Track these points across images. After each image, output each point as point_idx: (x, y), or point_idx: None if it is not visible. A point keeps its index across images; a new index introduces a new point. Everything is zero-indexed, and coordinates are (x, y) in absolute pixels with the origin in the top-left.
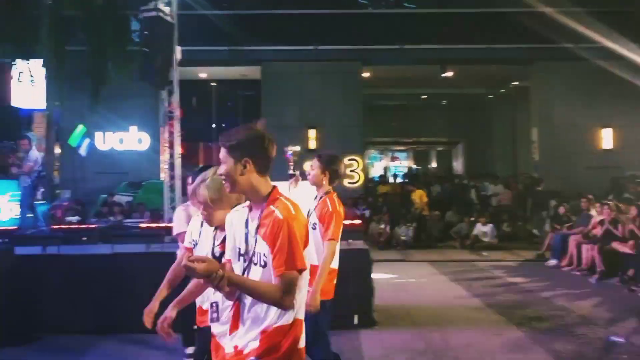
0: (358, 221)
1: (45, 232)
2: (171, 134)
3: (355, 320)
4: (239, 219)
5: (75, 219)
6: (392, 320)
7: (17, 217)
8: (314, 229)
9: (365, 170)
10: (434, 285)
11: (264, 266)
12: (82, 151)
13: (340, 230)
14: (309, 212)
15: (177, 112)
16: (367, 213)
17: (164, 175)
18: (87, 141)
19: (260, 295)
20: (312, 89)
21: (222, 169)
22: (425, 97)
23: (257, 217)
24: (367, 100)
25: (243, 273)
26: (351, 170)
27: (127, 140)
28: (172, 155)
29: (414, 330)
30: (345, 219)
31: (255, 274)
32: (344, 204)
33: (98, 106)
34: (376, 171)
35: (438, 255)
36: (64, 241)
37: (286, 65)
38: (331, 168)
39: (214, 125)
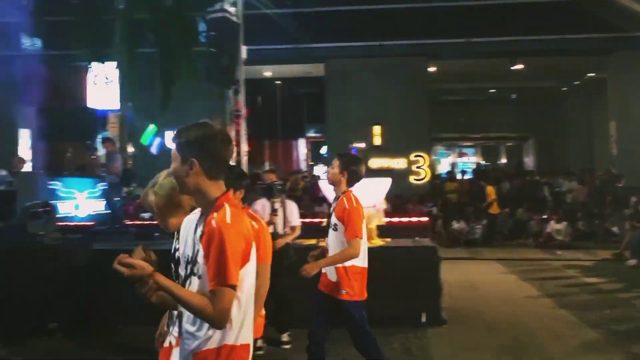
0: (425, 218)
1: (119, 227)
2: (237, 132)
3: (423, 319)
4: (190, 223)
5: (147, 215)
6: (462, 320)
7: (96, 213)
8: (335, 229)
9: (432, 166)
10: (504, 285)
11: (200, 277)
12: (153, 149)
13: (362, 228)
14: (329, 213)
15: (243, 111)
16: (434, 210)
17: None
18: (157, 140)
19: (187, 306)
20: (377, 85)
21: (171, 167)
22: (494, 91)
23: (202, 224)
24: (433, 95)
25: (184, 282)
26: (417, 167)
27: None
28: (238, 154)
29: (485, 330)
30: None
31: (193, 285)
32: (410, 200)
33: (168, 106)
34: (443, 167)
35: (508, 254)
36: (138, 236)
37: (350, 61)
38: (350, 168)
39: (279, 123)
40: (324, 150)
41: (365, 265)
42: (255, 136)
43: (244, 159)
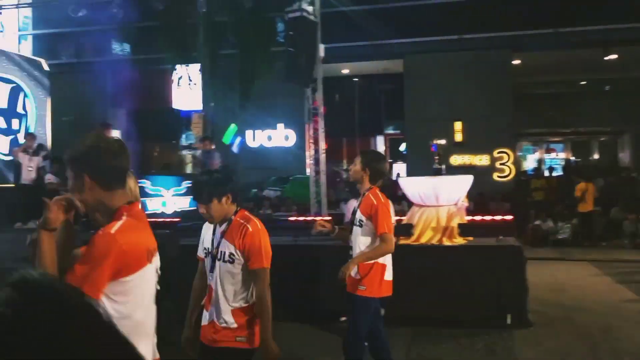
0: (509, 217)
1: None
2: (315, 130)
3: (508, 320)
4: None
5: None
6: (550, 322)
7: (181, 210)
8: (360, 225)
9: (517, 163)
10: (597, 287)
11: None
12: (235, 148)
13: (391, 223)
14: (354, 210)
15: (321, 109)
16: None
17: (309, 170)
18: (238, 139)
19: None
20: (457, 80)
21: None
22: (585, 83)
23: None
24: (518, 89)
25: None
26: (501, 164)
27: (275, 137)
28: (317, 151)
29: (575, 334)
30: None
31: None
32: (493, 198)
33: (248, 105)
34: (529, 164)
35: (601, 255)
36: None
37: (429, 56)
38: (372, 165)
39: (357, 121)
40: (403, 147)
41: (385, 262)
42: (333, 134)
43: (322, 156)
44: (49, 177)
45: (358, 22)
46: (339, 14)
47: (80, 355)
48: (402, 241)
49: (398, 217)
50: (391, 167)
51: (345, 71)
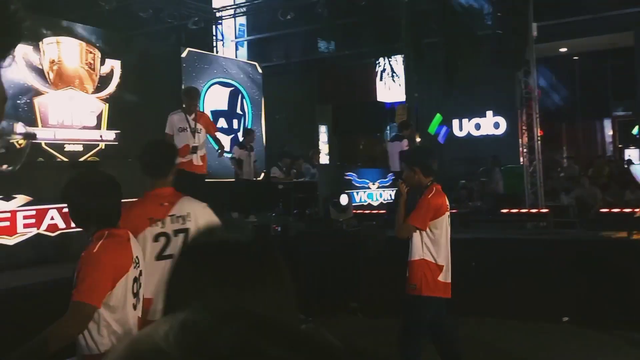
0: None
1: None
2: (529, 116)
3: None
4: None
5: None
6: None
7: (386, 202)
8: None
9: None
10: None
11: None
12: (440, 138)
13: (426, 220)
14: None
15: (535, 93)
16: None
17: (523, 160)
18: (444, 129)
19: None
20: None
21: None
22: None
23: None
24: None
25: None
26: None
27: (483, 125)
28: (531, 138)
29: None
30: None
31: None
32: None
33: (453, 94)
34: None
35: None
36: None
37: None
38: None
39: (578, 104)
40: (635, 130)
41: (442, 262)
42: (550, 119)
43: (537, 144)
44: (275, 172)
45: None
46: None
47: None
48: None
49: (630, 209)
50: (622, 153)
51: (563, 50)
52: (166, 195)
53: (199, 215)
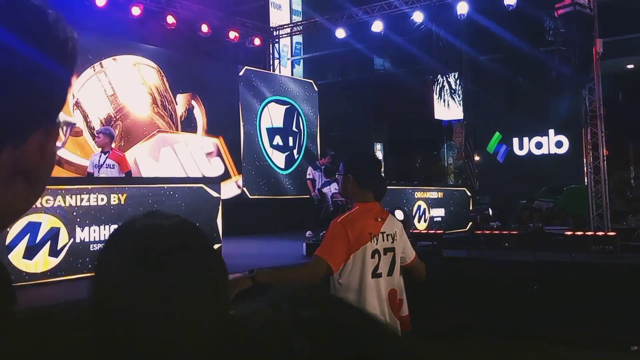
0: None
1: (469, 236)
2: (594, 134)
3: None
4: None
5: (495, 224)
6: None
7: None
8: None
9: None
10: None
11: None
12: (500, 157)
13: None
14: None
15: (601, 111)
16: None
17: (587, 179)
18: (503, 147)
19: None
20: None
21: None
22: None
23: None
24: None
25: None
26: None
27: (545, 144)
28: (596, 158)
29: None
30: None
31: None
32: None
33: (513, 112)
34: None
35: None
36: (487, 246)
37: None
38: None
39: None
40: None
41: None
42: (617, 137)
43: (603, 164)
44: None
45: None
46: (618, 4)
47: None
48: None
49: None
50: None
51: (630, 66)
52: (377, 210)
53: (400, 234)
